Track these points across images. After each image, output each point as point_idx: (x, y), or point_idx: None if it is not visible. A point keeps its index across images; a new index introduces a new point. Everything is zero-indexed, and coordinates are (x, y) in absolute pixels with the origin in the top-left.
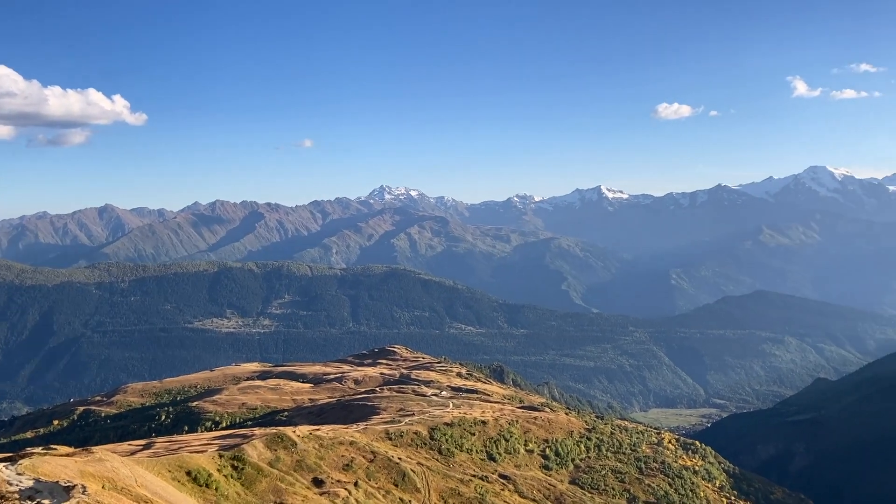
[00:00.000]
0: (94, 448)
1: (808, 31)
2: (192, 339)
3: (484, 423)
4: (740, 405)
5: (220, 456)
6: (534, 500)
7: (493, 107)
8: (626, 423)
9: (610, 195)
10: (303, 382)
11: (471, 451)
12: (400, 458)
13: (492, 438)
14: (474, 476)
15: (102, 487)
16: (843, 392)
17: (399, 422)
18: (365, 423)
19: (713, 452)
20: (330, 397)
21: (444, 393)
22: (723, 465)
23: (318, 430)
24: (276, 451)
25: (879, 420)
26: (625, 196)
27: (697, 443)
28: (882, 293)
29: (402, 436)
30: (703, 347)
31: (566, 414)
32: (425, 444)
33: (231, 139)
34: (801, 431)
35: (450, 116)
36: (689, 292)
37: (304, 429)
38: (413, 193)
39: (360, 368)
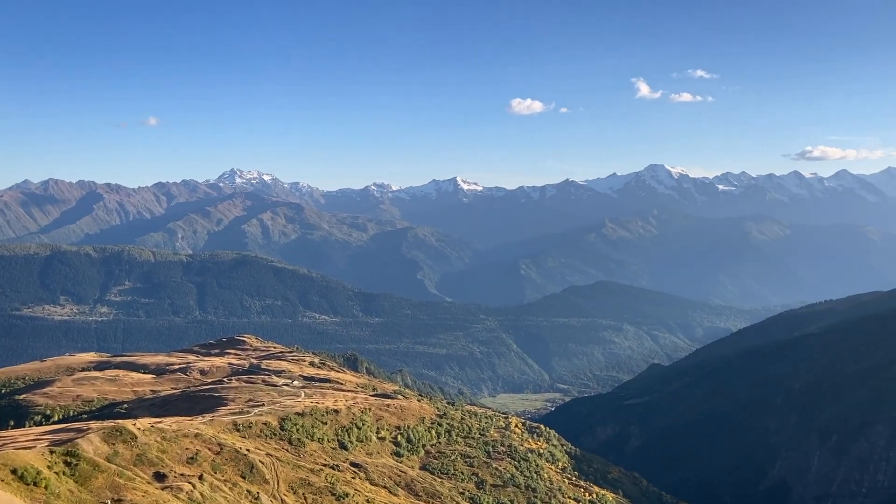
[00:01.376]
0: None
1: (651, 36)
2: (21, 328)
3: (336, 411)
4: (582, 389)
5: (51, 452)
6: (384, 487)
7: (350, 94)
8: (475, 408)
9: (465, 187)
10: (144, 373)
11: (322, 440)
12: (248, 450)
13: (344, 427)
14: (325, 465)
15: None
16: (673, 376)
17: (248, 413)
18: (211, 415)
19: (556, 435)
20: (174, 389)
21: (295, 382)
22: (565, 448)
23: (160, 422)
24: (114, 445)
25: (705, 401)
26: (479, 188)
27: (542, 426)
28: (711, 285)
29: (250, 427)
30: (549, 335)
31: (418, 401)
32: (275, 434)
33: (68, 113)
34: (636, 414)
35: (306, 101)
36: (538, 282)
37: (145, 421)
38: (266, 178)
39: (206, 359)
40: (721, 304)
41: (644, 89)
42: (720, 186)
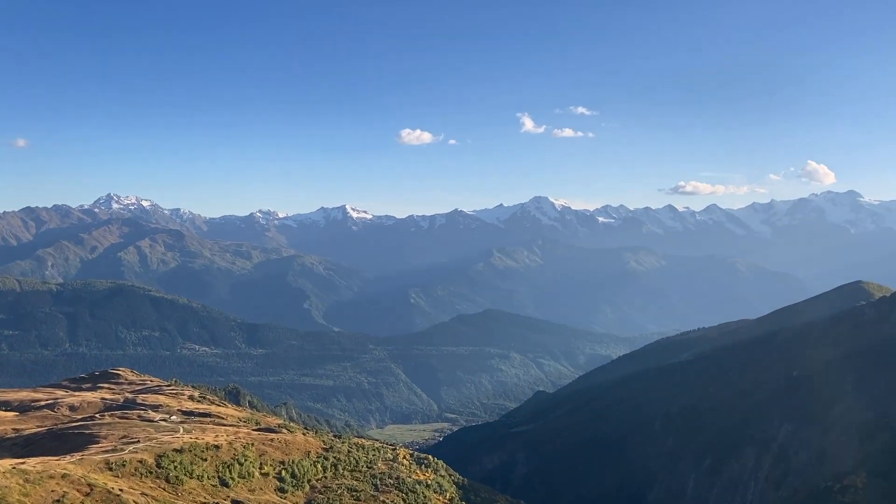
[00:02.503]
0: None
1: (536, 73)
2: None
3: (217, 447)
4: (470, 418)
5: None
6: None
7: (236, 119)
8: (363, 440)
9: (355, 215)
10: (6, 411)
11: (202, 477)
12: (121, 490)
13: (225, 463)
14: (204, 503)
15: None
16: (558, 403)
17: (122, 450)
18: (81, 454)
19: (444, 465)
20: (40, 426)
21: (174, 418)
22: (453, 478)
23: (23, 463)
24: None
25: (587, 427)
26: (369, 216)
27: (430, 457)
28: (592, 313)
29: (124, 465)
30: (438, 364)
31: (304, 434)
32: (151, 472)
33: None
34: (522, 441)
35: (188, 124)
36: (427, 311)
37: (5, 462)
38: (145, 204)
39: (77, 394)
40: (602, 332)
41: (529, 124)
42: (600, 219)
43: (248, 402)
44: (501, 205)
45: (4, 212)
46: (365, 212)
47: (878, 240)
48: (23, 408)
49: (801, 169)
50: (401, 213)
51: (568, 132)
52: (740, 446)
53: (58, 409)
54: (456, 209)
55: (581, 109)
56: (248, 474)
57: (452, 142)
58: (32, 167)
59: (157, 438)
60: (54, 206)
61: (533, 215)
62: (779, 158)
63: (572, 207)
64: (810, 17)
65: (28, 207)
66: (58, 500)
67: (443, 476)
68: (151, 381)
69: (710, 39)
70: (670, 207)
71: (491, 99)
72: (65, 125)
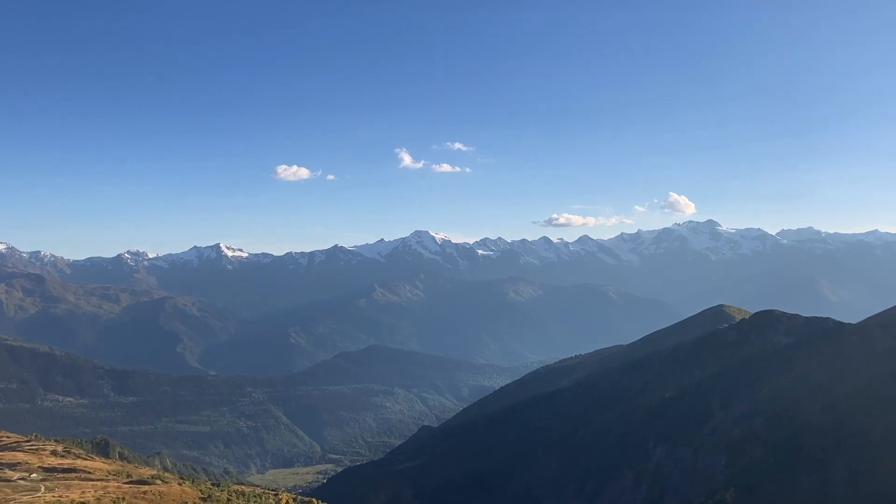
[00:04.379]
0: None
1: (412, 108)
2: None
3: None
4: (354, 458)
5: None
6: None
7: (101, 158)
8: (243, 487)
9: (230, 253)
10: None
11: None
12: None
13: None
14: None
15: None
16: (443, 437)
17: None
18: None
19: None
20: None
21: (34, 475)
22: None
23: None
24: None
25: (473, 459)
26: (245, 255)
27: (314, 500)
28: (475, 344)
29: None
30: (321, 403)
31: (179, 484)
32: None
33: None
34: (407, 478)
35: (46, 161)
36: (308, 350)
37: None
38: (1, 247)
39: None
40: (484, 363)
41: (407, 159)
42: (480, 251)
43: (119, 453)
44: (382, 239)
45: None
46: (241, 250)
47: (735, 265)
48: None
49: (664, 200)
50: (278, 251)
51: (446, 167)
52: (619, 468)
53: None
54: (336, 245)
55: (458, 145)
56: None
57: (331, 177)
58: None
59: (14, 499)
60: None
61: (414, 249)
62: (643, 190)
63: (452, 241)
64: (666, 52)
65: None
66: None
67: None
68: (8, 437)
69: (576, 77)
70: (545, 239)
71: (368, 134)
72: None
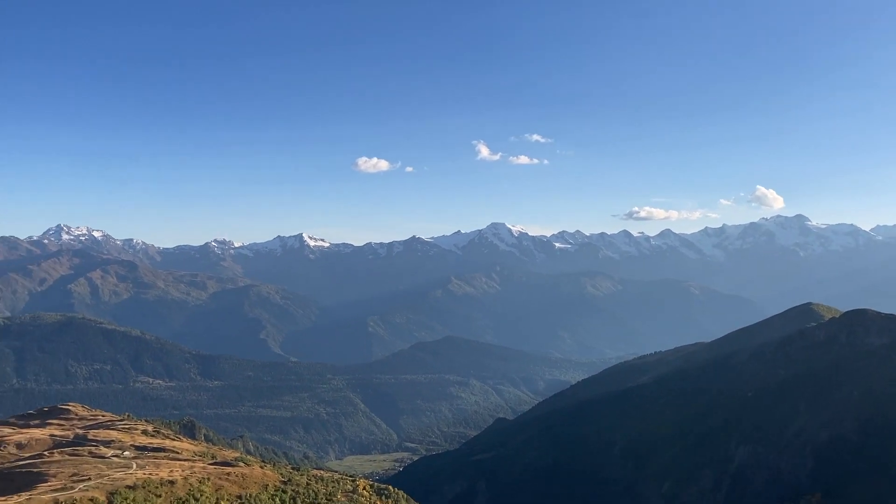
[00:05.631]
0: None
1: (490, 100)
2: None
3: (172, 482)
4: (430, 447)
5: None
6: None
7: (190, 148)
8: (322, 472)
9: (312, 243)
10: None
11: None
12: None
13: (180, 499)
14: None
15: None
16: (518, 430)
17: (72, 488)
18: (29, 493)
19: (405, 496)
20: None
21: (126, 453)
22: None
23: None
24: None
25: (547, 453)
26: (326, 245)
27: (391, 487)
28: (551, 338)
29: (74, 503)
30: (397, 392)
31: (261, 467)
32: None
33: None
34: (482, 469)
35: (141, 152)
36: (385, 339)
37: None
38: (97, 234)
39: (24, 431)
40: (561, 357)
41: (484, 151)
42: (557, 244)
43: (204, 435)
44: (459, 231)
45: None
46: (322, 240)
47: (825, 262)
48: None
49: (751, 194)
50: (358, 241)
51: (524, 159)
52: (698, 469)
53: (4, 447)
54: (413, 236)
55: (536, 137)
56: None
57: (409, 169)
58: None
59: (109, 475)
60: (1, 237)
61: (490, 241)
62: (729, 184)
63: (529, 233)
64: (758, 43)
65: None
66: None
67: None
68: (103, 416)
69: (662, 67)
70: (625, 233)
71: (447, 126)
72: (12, 155)
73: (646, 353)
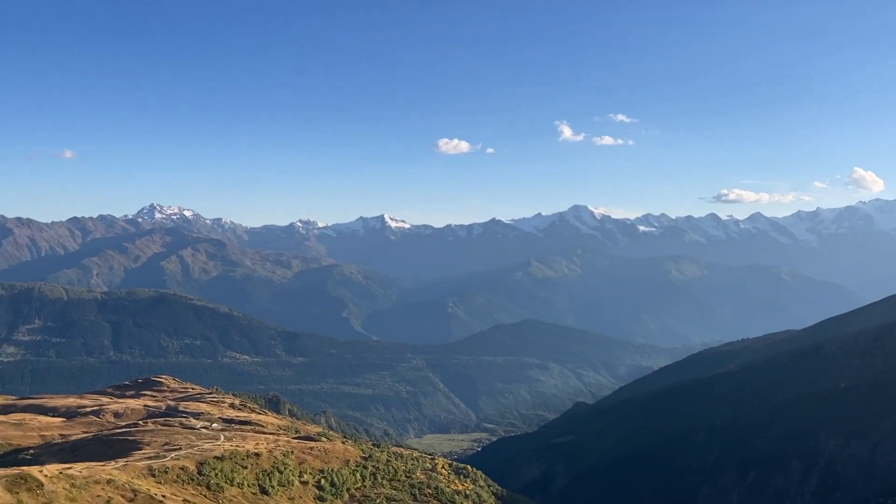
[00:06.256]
0: None
1: (574, 80)
2: None
3: (257, 455)
4: (508, 429)
5: None
6: None
7: (276, 129)
8: (401, 450)
9: (393, 224)
10: (53, 416)
11: (242, 485)
12: (164, 496)
13: (265, 471)
14: None
15: None
16: (598, 414)
17: (164, 457)
18: (125, 460)
19: (483, 476)
20: (85, 432)
21: (215, 425)
22: (492, 488)
23: (69, 468)
24: (17, 493)
25: (628, 439)
26: (407, 226)
27: (469, 467)
28: (633, 323)
29: (166, 471)
30: (476, 373)
31: (343, 443)
32: (193, 479)
33: None
34: (561, 453)
35: (230, 135)
36: (465, 320)
37: (52, 468)
38: (187, 214)
39: (121, 401)
40: (643, 343)
41: (567, 132)
42: (641, 227)
43: (288, 410)
44: (539, 213)
45: (52, 221)
46: (403, 221)
47: None
48: (69, 414)
49: (848, 176)
50: (438, 223)
51: (607, 140)
52: (786, 460)
53: (103, 415)
54: (493, 218)
55: (621, 117)
56: (288, 482)
57: (490, 150)
58: (78, 178)
59: (198, 446)
60: (99, 216)
61: (572, 224)
62: (824, 165)
63: (612, 216)
64: (856, 18)
65: (74, 217)
66: None
67: (482, 486)
68: (193, 388)
69: (753, 43)
70: (713, 216)
71: (528, 107)
72: (109, 136)
73: (732, 339)
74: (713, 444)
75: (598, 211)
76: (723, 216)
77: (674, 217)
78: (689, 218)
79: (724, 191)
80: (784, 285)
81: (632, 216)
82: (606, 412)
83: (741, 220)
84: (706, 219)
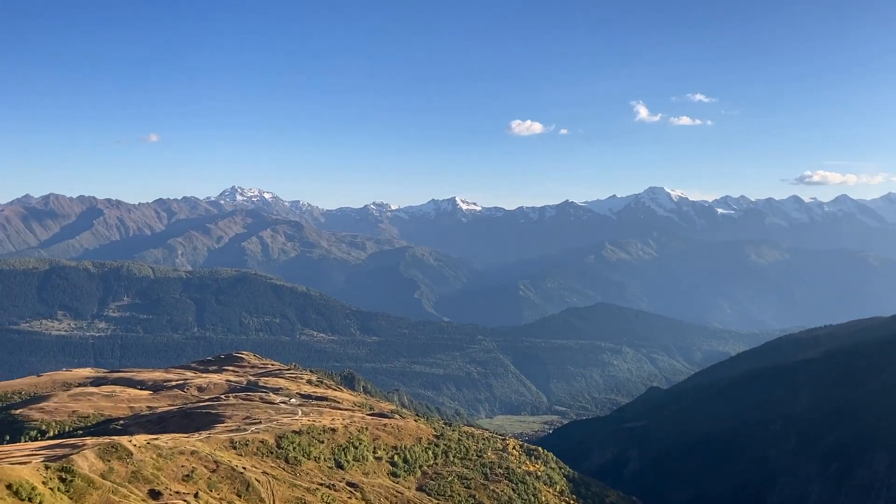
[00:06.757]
0: None
1: (650, 59)
2: (18, 342)
3: (333, 430)
4: (580, 412)
5: (46, 467)
6: None
7: (352, 113)
8: (472, 429)
9: (464, 207)
10: (141, 389)
11: (319, 459)
12: (244, 468)
13: (341, 446)
14: (321, 484)
15: None
16: (672, 400)
17: (245, 430)
18: (208, 432)
19: (554, 458)
20: (171, 405)
21: (292, 400)
22: (563, 470)
23: (156, 439)
24: (109, 461)
25: (703, 425)
26: (478, 208)
27: (540, 449)
28: (709, 308)
29: (247, 444)
30: (547, 356)
31: (415, 421)
32: (272, 452)
33: (67, 129)
34: (634, 437)
35: (308, 119)
36: (536, 303)
37: (141, 438)
38: (267, 196)
39: (204, 375)
40: (720, 328)
41: (643, 112)
42: (719, 210)
43: (363, 387)
44: (614, 196)
45: (139, 203)
46: (474, 204)
47: None
48: (156, 387)
49: None
50: (510, 205)
51: (685, 120)
52: (871, 451)
53: (187, 389)
54: (566, 200)
55: (699, 96)
56: (363, 458)
57: (564, 131)
58: (164, 161)
59: (277, 420)
60: (183, 197)
61: (647, 206)
62: None
63: (689, 198)
64: None
65: (160, 199)
66: (187, 475)
67: (553, 468)
68: (272, 364)
69: (837, 15)
70: (795, 198)
71: (604, 87)
72: (192, 121)
73: (814, 326)
74: (792, 433)
75: (675, 193)
76: (806, 198)
77: (754, 199)
78: (769, 200)
79: (808, 172)
80: (872, 271)
81: (710, 198)
82: (681, 397)
83: (826, 202)
84: (788, 201)
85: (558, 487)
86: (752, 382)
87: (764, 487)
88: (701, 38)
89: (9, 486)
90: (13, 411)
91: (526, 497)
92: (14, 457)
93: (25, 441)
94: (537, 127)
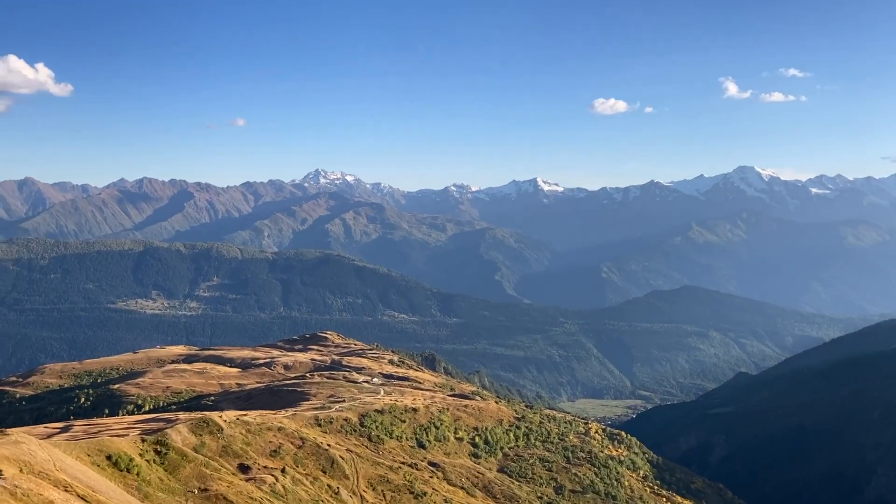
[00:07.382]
0: (10, 430)
1: (740, 34)
2: (115, 320)
3: (415, 410)
4: (665, 397)
5: (143, 440)
6: (462, 488)
7: (432, 94)
8: (554, 412)
9: (546, 187)
10: (230, 367)
11: (401, 438)
12: (329, 445)
13: (422, 426)
14: (403, 463)
15: (20, 471)
16: (761, 386)
17: (329, 408)
18: (294, 409)
19: (638, 443)
20: (258, 382)
21: (375, 380)
22: (647, 456)
23: (245, 415)
24: (201, 436)
25: (794, 413)
26: (560, 189)
27: (623, 433)
28: (801, 291)
29: (331, 422)
30: (631, 340)
31: (496, 402)
32: (355, 430)
33: (160, 114)
34: (721, 423)
35: (389, 102)
36: (620, 285)
37: (230, 414)
38: (349, 178)
39: (290, 354)
40: (813, 312)
41: (732, 89)
42: (814, 189)
43: (444, 368)
44: (702, 175)
45: (227, 186)
46: (556, 184)
47: None
48: (244, 365)
49: None
50: (593, 186)
51: (777, 96)
52: None
53: (274, 367)
54: (651, 180)
55: (792, 71)
56: (444, 438)
57: (649, 110)
58: (250, 145)
59: (360, 399)
60: (269, 180)
61: (737, 186)
62: None
63: (781, 178)
64: None
65: (247, 182)
66: (275, 451)
67: (636, 453)
68: (355, 344)
69: None
70: None
71: (691, 64)
72: (278, 106)
73: None
74: (890, 423)
75: (766, 172)
76: None
77: (851, 178)
78: (868, 179)
79: None
80: None
81: (803, 178)
82: (771, 384)
83: None
84: (890, 180)
85: (641, 472)
86: (850, 369)
87: (860, 478)
88: (793, 11)
89: (109, 458)
90: (112, 386)
91: (608, 481)
92: (113, 430)
93: (123, 415)
94: (621, 105)
